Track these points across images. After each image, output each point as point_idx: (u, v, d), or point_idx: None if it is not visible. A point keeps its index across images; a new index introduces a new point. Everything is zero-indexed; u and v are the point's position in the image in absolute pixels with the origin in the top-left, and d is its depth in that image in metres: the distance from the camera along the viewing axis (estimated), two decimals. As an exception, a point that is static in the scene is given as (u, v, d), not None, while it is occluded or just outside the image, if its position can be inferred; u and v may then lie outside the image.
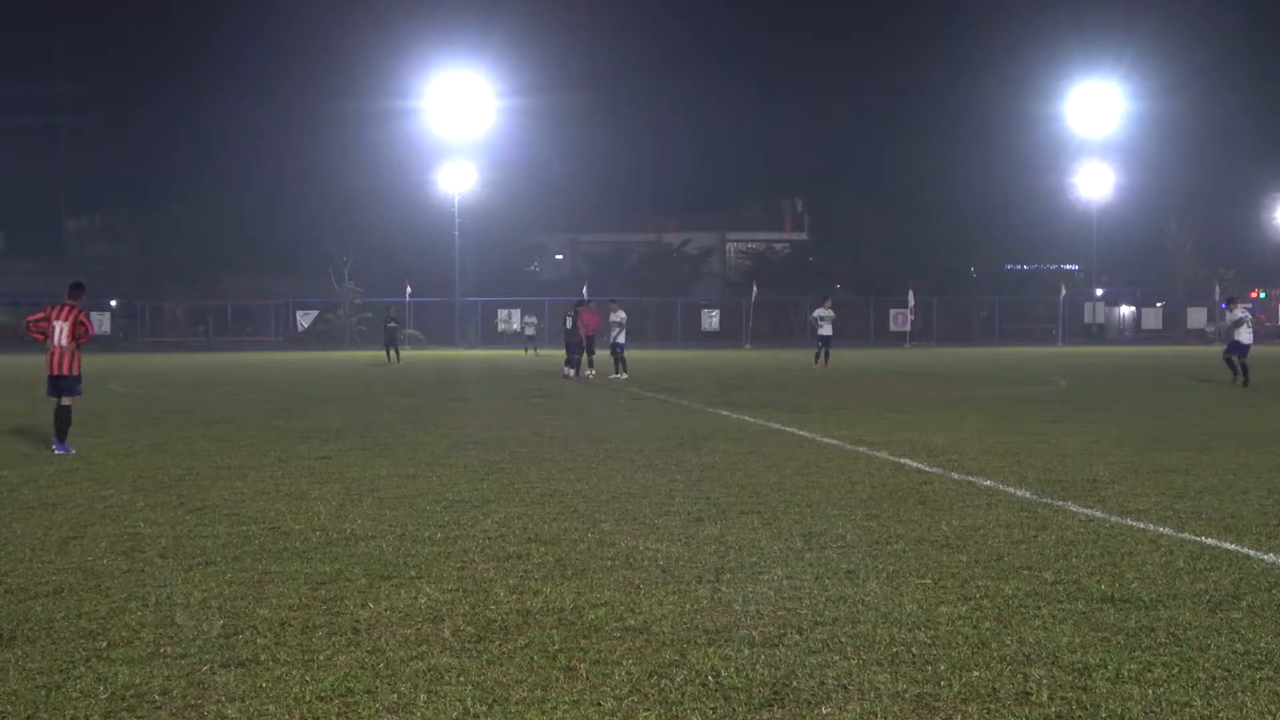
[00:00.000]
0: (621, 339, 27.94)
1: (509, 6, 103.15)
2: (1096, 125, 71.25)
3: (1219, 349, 23.77)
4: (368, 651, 5.16)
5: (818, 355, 33.23)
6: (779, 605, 5.86)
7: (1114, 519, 8.12)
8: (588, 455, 11.94)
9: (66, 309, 12.94)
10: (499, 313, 68.30)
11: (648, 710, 4.47)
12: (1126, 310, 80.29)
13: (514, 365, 37.38)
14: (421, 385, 25.65)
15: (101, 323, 60.37)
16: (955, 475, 10.30)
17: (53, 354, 12.84)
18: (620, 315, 28.10)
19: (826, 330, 32.95)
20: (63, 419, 12.71)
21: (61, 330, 12.85)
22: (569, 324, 28.27)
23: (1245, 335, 23.37)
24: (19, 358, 45.92)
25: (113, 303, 66.51)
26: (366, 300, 63.60)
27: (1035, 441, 12.97)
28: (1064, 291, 68.43)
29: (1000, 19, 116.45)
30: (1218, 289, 68.49)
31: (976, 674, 4.82)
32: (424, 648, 5.22)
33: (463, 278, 64.70)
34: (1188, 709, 4.44)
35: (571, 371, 27.83)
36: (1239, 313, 23.67)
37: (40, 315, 13.01)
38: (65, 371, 12.82)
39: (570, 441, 13.27)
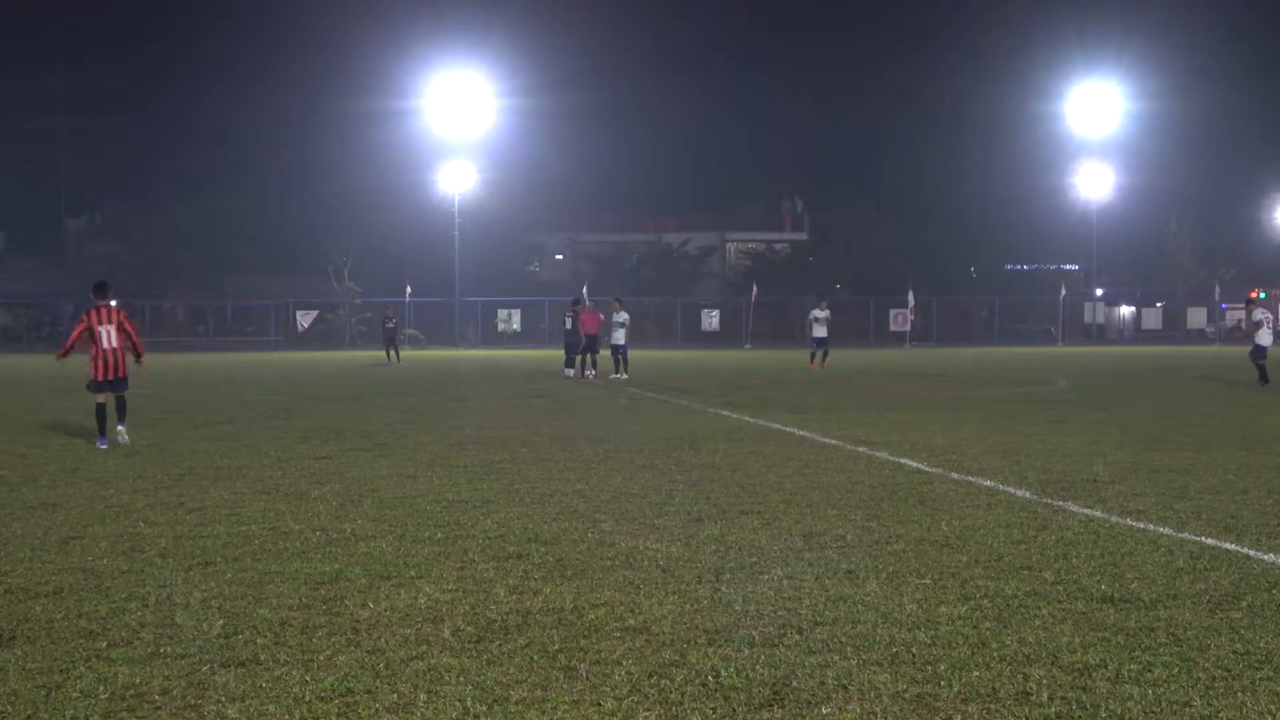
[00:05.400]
0: (623, 339, 27.92)
1: (509, 6, 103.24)
2: (1096, 125, 71.32)
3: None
4: (368, 651, 5.16)
5: (813, 356, 33.25)
6: (779, 605, 5.86)
7: (1114, 519, 8.12)
8: (588, 455, 11.94)
9: (105, 311, 13.24)
10: (499, 313, 68.35)
11: (648, 710, 4.47)
12: (1126, 310, 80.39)
13: (514, 365, 37.36)
14: (421, 385, 25.64)
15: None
16: (955, 475, 10.30)
17: (105, 356, 13.07)
18: (623, 315, 28.08)
19: (821, 332, 32.90)
20: (121, 407, 13.24)
21: (109, 334, 13.10)
22: (569, 324, 28.27)
23: (1265, 337, 23.65)
24: (18, 358, 45.90)
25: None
26: (366, 300, 63.57)
27: (1035, 441, 12.97)
28: (1064, 291, 68.48)
29: (1000, 19, 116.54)
30: (1218, 289, 68.56)
31: (976, 674, 4.82)
32: (424, 648, 5.21)
33: (463, 278, 64.70)
34: (1188, 709, 4.44)
35: (572, 372, 27.86)
36: (1258, 315, 23.99)
37: (81, 328, 13.19)
38: (121, 375, 13.24)
39: (570, 441, 13.27)
